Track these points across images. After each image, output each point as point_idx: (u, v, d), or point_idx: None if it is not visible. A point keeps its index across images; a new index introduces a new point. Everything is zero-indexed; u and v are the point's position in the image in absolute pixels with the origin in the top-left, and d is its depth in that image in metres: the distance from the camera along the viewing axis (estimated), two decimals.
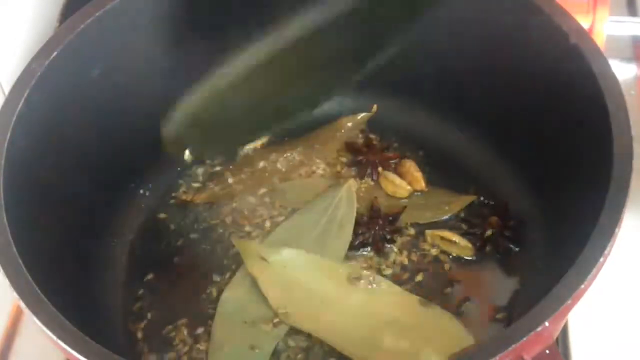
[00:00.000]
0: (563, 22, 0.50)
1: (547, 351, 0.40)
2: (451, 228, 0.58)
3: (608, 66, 0.48)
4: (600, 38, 0.63)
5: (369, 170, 0.61)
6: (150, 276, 0.58)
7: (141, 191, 0.61)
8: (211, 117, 0.55)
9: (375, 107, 0.63)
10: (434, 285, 0.56)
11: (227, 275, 0.57)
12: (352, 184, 0.59)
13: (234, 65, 0.53)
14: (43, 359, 0.57)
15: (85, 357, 0.40)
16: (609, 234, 0.42)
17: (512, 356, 0.39)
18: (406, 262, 0.57)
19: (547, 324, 0.39)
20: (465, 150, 0.61)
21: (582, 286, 0.40)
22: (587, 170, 0.48)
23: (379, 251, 0.57)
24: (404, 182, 0.60)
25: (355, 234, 0.57)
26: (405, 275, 0.56)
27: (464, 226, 0.58)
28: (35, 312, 0.42)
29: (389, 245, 0.57)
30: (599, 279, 0.42)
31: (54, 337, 0.41)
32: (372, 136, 0.63)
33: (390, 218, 0.58)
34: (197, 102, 0.54)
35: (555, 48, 0.50)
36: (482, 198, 0.59)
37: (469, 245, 0.56)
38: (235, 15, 0.56)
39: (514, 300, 0.54)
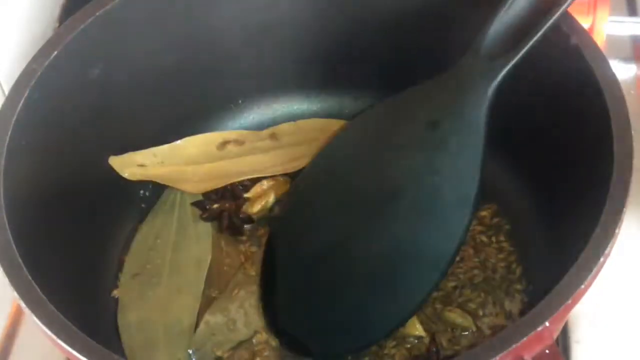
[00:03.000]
0: (563, 22, 0.50)
1: (547, 351, 0.40)
2: None
3: (608, 66, 0.48)
4: (600, 38, 0.63)
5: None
6: None
7: (141, 191, 0.61)
8: None
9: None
10: None
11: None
12: None
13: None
14: (43, 359, 0.57)
15: (85, 357, 0.40)
16: (609, 234, 0.42)
17: (512, 356, 0.39)
18: None
19: (547, 324, 0.39)
20: None
21: (582, 286, 0.40)
22: (587, 170, 0.48)
23: None
24: None
25: None
26: None
27: None
28: (35, 312, 0.42)
29: None
30: (599, 279, 0.42)
31: (54, 337, 0.41)
32: None
33: None
34: None
35: (555, 48, 0.50)
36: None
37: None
38: None
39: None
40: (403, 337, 0.53)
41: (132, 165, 0.59)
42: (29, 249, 0.45)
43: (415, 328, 0.52)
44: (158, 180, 0.60)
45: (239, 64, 0.61)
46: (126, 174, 0.58)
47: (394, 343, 0.52)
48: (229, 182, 0.60)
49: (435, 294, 0.54)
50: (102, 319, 0.54)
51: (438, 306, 0.54)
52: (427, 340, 0.52)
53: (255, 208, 0.59)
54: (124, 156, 0.58)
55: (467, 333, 0.53)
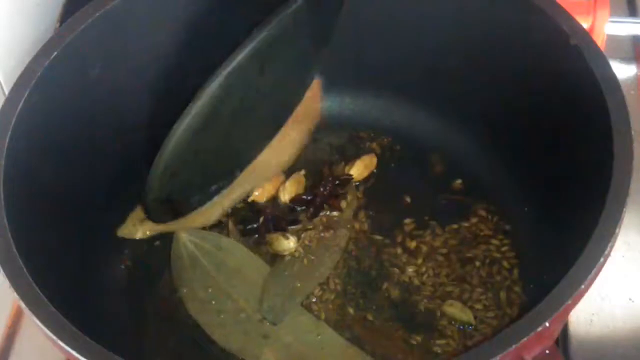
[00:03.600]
0: (563, 23, 0.50)
1: (547, 351, 0.40)
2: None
3: (608, 66, 0.48)
4: (600, 38, 0.63)
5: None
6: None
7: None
8: (186, 168, 0.57)
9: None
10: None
11: None
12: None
13: (198, 114, 0.54)
14: (43, 359, 0.57)
15: (85, 357, 0.40)
16: (609, 234, 0.42)
17: (512, 356, 0.39)
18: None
19: (547, 324, 0.39)
20: (464, 152, 0.61)
21: (582, 286, 0.40)
22: (587, 170, 0.48)
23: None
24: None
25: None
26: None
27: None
28: (35, 312, 0.42)
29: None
30: (599, 279, 0.42)
31: (54, 337, 0.41)
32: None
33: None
34: (170, 155, 0.55)
35: (556, 48, 0.50)
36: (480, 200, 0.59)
37: None
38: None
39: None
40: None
41: (138, 223, 0.59)
42: (29, 250, 0.45)
43: (465, 314, 0.53)
44: (169, 230, 0.59)
45: None
46: (139, 234, 0.59)
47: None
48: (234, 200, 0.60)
49: (435, 290, 0.54)
50: (102, 319, 0.54)
51: (438, 301, 0.54)
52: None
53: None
54: (127, 222, 0.59)
55: (465, 329, 0.53)
